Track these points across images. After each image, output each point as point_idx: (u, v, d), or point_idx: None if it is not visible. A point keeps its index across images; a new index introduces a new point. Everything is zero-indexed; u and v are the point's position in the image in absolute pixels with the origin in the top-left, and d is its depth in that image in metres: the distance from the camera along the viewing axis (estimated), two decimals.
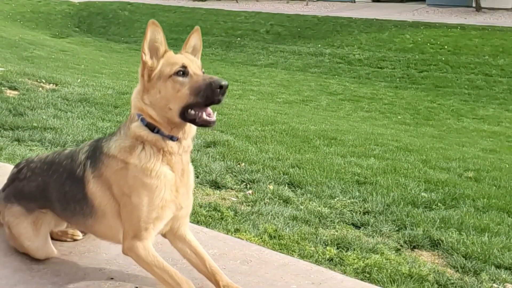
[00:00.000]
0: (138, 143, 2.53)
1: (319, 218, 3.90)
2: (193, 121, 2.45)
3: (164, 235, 2.78)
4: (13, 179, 3.02)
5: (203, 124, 2.44)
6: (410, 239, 3.67)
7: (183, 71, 2.44)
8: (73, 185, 2.71)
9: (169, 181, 2.53)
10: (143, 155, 2.51)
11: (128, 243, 2.57)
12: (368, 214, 4.06)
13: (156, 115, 2.48)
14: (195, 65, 2.50)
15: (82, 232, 3.15)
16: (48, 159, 2.94)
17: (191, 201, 2.74)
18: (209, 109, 2.44)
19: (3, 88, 7.18)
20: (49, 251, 2.92)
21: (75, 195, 2.70)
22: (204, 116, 2.42)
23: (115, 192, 2.57)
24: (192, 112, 2.42)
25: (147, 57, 2.50)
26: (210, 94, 2.38)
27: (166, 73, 2.45)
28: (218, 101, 2.39)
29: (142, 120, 2.52)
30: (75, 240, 3.13)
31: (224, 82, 2.38)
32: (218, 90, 2.37)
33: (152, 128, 2.51)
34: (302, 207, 4.10)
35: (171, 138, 2.52)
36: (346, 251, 3.39)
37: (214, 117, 2.45)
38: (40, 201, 2.86)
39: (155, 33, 2.51)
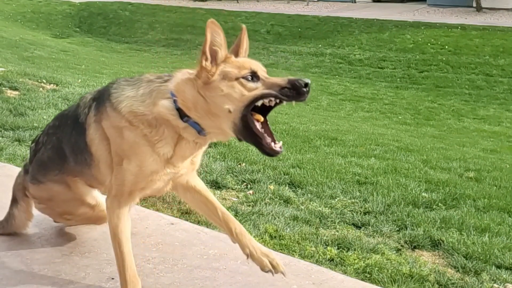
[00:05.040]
0: (157, 122, 2.37)
1: (319, 218, 3.89)
2: (256, 140, 2.25)
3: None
4: (34, 154, 2.91)
5: (269, 152, 2.28)
6: (411, 239, 3.67)
7: (252, 76, 2.28)
8: (77, 134, 2.60)
9: (168, 158, 2.43)
10: (155, 130, 2.37)
11: (109, 201, 2.53)
12: (368, 214, 4.06)
13: (199, 115, 2.30)
14: (262, 70, 2.33)
15: None
16: (58, 114, 2.86)
17: (197, 163, 2.64)
18: (278, 143, 2.29)
19: (3, 88, 7.18)
20: None
21: (80, 145, 2.59)
22: (274, 146, 2.27)
23: (110, 148, 2.48)
24: (260, 129, 2.25)
25: (207, 63, 2.28)
26: (296, 94, 2.22)
27: (233, 75, 2.27)
28: (303, 100, 2.25)
29: (175, 102, 2.34)
30: None
31: (308, 80, 2.24)
32: (304, 89, 2.22)
33: (181, 113, 2.32)
34: (302, 207, 4.10)
35: (200, 132, 2.36)
36: (347, 251, 3.39)
37: (281, 148, 2.29)
38: (60, 163, 2.75)
39: (214, 35, 2.29)
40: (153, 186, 2.53)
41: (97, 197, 2.92)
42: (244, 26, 2.50)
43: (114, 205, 2.52)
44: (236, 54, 2.42)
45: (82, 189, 2.84)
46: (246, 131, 2.26)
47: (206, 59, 2.28)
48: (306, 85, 2.22)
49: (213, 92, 2.27)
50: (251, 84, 2.26)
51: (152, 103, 2.39)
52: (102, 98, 2.51)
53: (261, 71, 2.32)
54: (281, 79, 2.26)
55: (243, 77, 2.26)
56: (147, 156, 2.41)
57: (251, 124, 2.26)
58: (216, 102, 2.27)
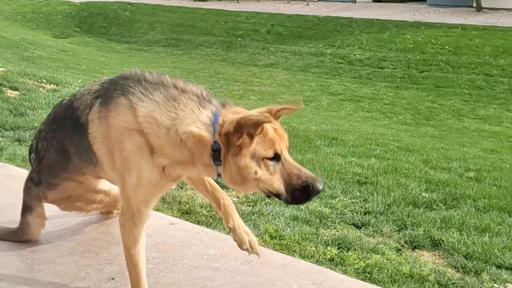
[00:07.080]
0: (182, 142, 2.28)
1: (320, 218, 3.89)
2: (287, 200, 2.27)
3: None
4: (38, 163, 2.90)
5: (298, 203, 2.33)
6: (411, 239, 3.67)
7: (274, 157, 2.26)
8: (79, 133, 2.57)
9: (166, 171, 2.40)
10: (170, 147, 2.30)
11: (122, 219, 2.50)
12: (369, 214, 4.06)
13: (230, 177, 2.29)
14: (285, 147, 2.32)
15: None
16: (51, 118, 2.85)
17: None
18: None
19: (4, 88, 7.18)
20: None
21: (84, 144, 2.57)
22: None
23: (111, 148, 2.44)
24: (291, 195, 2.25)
25: (241, 141, 2.22)
26: (304, 197, 2.24)
27: (260, 156, 2.24)
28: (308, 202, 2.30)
29: (215, 143, 2.25)
30: None
31: (321, 186, 2.23)
32: (314, 195, 2.24)
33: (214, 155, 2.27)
34: (302, 207, 4.10)
35: (219, 175, 2.35)
36: (347, 251, 3.39)
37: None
38: (65, 163, 2.75)
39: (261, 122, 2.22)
40: (155, 198, 2.51)
41: (108, 182, 2.93)
42: (302, 105, 2.48)
43: (130, 225, 2.48)
44: (270, 111, 2.37)
45: (93, 181, 2.87)
46: (275, 196, 2.29)
47: (241, 137, 2.22)
48: (318, 192, 2.24)
49: (242, 164, 2.23)
50: (273, 165, 2.25)
51: (182, 123, 2.28)
52: (111, 94, 2.41)
53: (285, 151, 2.30)
54: (297, 172, 2.25)
55: (267, 158, 2.24)
56: (145, 165, 2.34)
57: (281, 194, 2.27)
58: (244, 174, 2.25)
